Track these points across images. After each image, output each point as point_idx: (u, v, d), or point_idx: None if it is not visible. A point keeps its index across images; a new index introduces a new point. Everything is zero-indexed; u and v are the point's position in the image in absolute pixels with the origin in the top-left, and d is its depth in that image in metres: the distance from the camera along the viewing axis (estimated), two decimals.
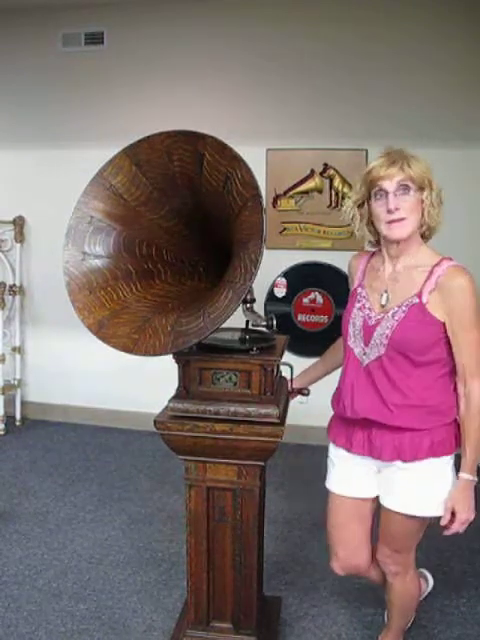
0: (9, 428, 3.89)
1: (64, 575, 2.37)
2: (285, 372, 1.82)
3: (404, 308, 1.52)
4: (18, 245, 3.94)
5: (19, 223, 3.90)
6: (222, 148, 1.50)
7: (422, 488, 1.57)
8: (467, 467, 1.54)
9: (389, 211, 1.49)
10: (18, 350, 4.01)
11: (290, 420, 1.71)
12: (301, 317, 3.70)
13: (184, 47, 3.55)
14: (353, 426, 1.64)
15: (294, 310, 3.70)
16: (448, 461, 1.58)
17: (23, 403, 4.08)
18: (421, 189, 1.50)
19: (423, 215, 1.52)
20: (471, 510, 1.54)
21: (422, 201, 1.51)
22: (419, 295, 1.51)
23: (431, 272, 1.51)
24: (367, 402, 1.57)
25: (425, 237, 1.59)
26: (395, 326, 1.51)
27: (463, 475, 1.54)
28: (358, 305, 1.62)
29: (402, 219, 1.50)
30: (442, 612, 2.18)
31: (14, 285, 3.94)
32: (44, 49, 3.73)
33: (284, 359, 1.68)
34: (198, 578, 1.77)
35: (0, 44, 3.80)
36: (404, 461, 1.56)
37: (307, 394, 1.86)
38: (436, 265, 1.51)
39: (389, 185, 1.49)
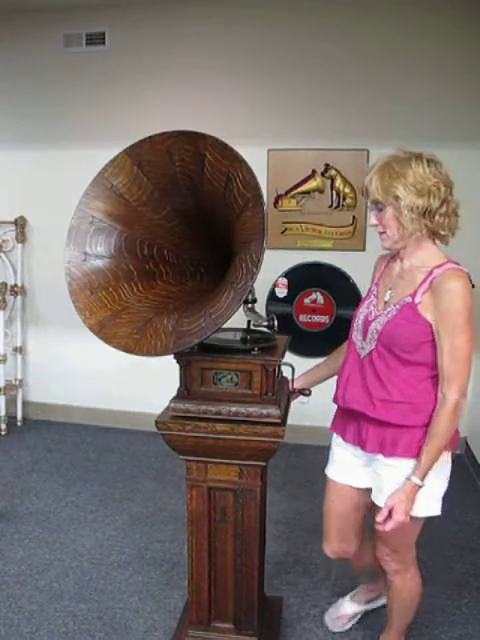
0: (10, 428, 3.90)
1: (65, 575, 2.37)
2: (286, 372, 1.82)
3: (398, 306, 1.56)
4: (19, 245, 3.94)
5: (20, 223, 3.90)
6: (223, 148, 1.50)
7: None
8: (419, 471, 1.52)
9: (370, 225, 1.60)
10: (19, 350, 4.01)
11: (291, 420, 1.71)
12: (302, 317, 3.70)
13: (185, 47, 3.56)
14: (348, 416, 1.70)
15: (295, 310, 3.70)
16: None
17: (24, 403, 4.09)
18: (392, 203, 1.51)
19: (402, 225, 1.52)
20: (407, 514, 1.54)
21: (399, 212, 1.51)
22: (413, 295, 1.54)
23: (430, 273, 1.52)
24: (356, 393, 1.63)
25: (442, 240, 1.59)
26: (386, 322, 1.56)
27: (412, 478, 1.53)
28: (368, 301, 1.68)
29: (382, 232, 1.58)
30: (443, 612, 2.18)
31: (15, 285, 3.94)
32: (46, 49, 3.73)
33: (285, 359, 1.68)
34: (199, 578, 1.77)
35: (2, 44, 3.81)
36: (384, 455, 1.60)
37: (308, 394, 1.86)
38: (437, 267, 1.53)
39: (369, 200, 1.58)
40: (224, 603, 1.80)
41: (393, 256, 1.70)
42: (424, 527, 1.70)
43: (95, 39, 3.67)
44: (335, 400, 1.73)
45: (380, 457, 1.62)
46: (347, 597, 2.12)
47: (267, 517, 1.88)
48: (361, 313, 1.68)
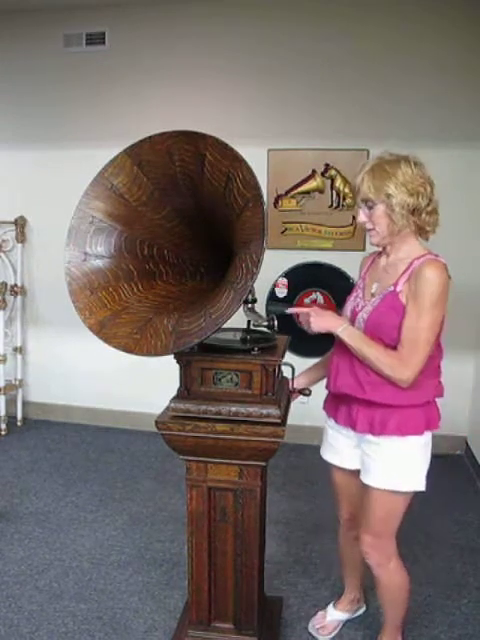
0: (10, 428, 3.90)
1: (65, 575, 2.37)
2: (286, 372, 1.82)
3: (381, 295, 1.66)
4: (19, 245, 3.94)
5: (20, 223, 3.90)
6: (223, 148, 1.50)
7: (392, 464, 1.68)
8: (350, 329, 1.64)
9: (359, 222, 1.67)
10: (19, 350, 4.01)
11: (291, 420, 1.71)
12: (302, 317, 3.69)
13: (185, 47, 3.55)
14: (339, 400, 1.79)
15: None
16: (417, 441, 1.67)
17: (24, 403, 4.09)
18: (384, 201, 1.59)
19: (392, 221, 1.61)
20: (314, 322, 1.65)
21: (391, 209, 1.59)
22: (395, 284, 1.64)
23: (411, 264, 1.63)
24: (346, 379, 1.71)
25: (424, 236, 1.69)
26: (371, 311, 1.67)
27: (345, 326, 1.64)
28: (354, 295, 1.80)
29: (371, 229, 1.66)
30: (443, 612, 2.18)
31: (15, 285, 3.94)
32: (46, 49, 3.73)
33: (285, 359, 1.69)
34: (199, 578, 1.77)
35: (2, 44, 3.81)
36: (373, 434, 1.68)
37: (308, 394, 1.86)
38: (417, 258, 1.63)
39: (358, 199, 1.66)
40: (224, 603, 1.80)
41: (379, 253, 1.79)
42: (408, 514, 1.72)
43: (95, 39, 3.67)
44: (328, 387, 1.82)
45: (369, 436, 1.70)
46: (330, 606, 2.15)
47: (267, 517, 1.88)
48: (348, 305, 1.79)
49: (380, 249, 1.77)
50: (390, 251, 1.70)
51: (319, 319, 1.66)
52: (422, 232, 1.67)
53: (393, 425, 1.65)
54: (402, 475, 1.68)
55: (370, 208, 1.63)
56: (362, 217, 1.66)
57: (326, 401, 1.90)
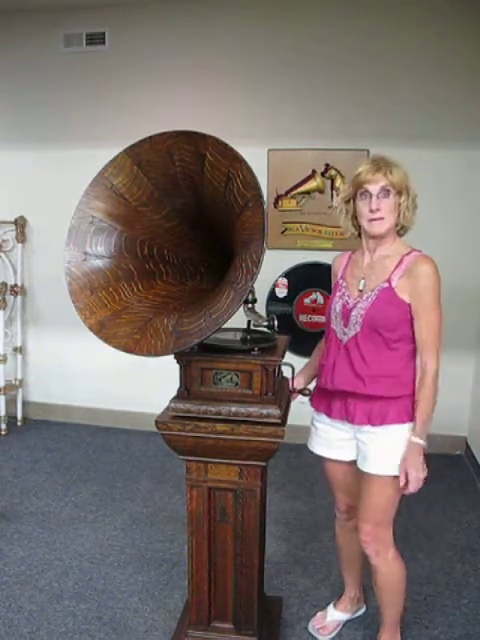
0: (10, 428, 3.90)
1: (65, 575, 2.37)
2: (286, 372, 1.82)
3: (376, 291, 1.73)
4: (20, 245, 3.94)
5: (20, 223, 3.90)
6: (223, 148, 1.50)
7: (390, 450, 1.73)
8: (417, 433, 1.70)
9: (371, 210, 1.71)
10: (19, 350, 4.01)
11: (291, 420, 1.72)
12: (302, 317, 3.70)
13: (185, 47, 3.55)
14: (332, 395, 1.82)
15: (295, 310, 3.70)
16: (411, 426, 1.74)
17: (24, 403, 4.09)
18: (399, 194, 1.71)
19: (399, 216, 1.73)
20: (421, 470, 1.69)
21: (399, 204, 1.72)
22: (389, 280, 1.71)
23: (401, 260, 1.72)
24: (344, 375, 1.75)
25: (400, 234, 1.80)
26: (368, 306, 1.72)
27: (414, 440, 1.69)
28: (339, 293, 1.84)
29: (381, 218, 1.72)
30: (443, 612, 2.18)
31: (15, 285, 3.94)
32: (46, 49, 3.73)
33: (285, 359, 1.69)
34: (199, 578, 1.77)
35: (2, 44, 3.81)
36: (373, 425, 1.74)
37: (308, 394, 1.88)
38: (406, 254, 1.73)
39: (373, 188, 1.71)
40: (224, 603, 1.80)
41: (353, 252, 1.91)
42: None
43: (95, 39, 3.67)
44: (322, 385, 1.84)
45: (368, 427, 1.75)
46: (330, 606, 2.15)
47: (267, 517, 1.88)
48: (336, 304, 1.81)
49: (351, 250, 1.89)
50: (375, 247, 1.78)
51: (420, 474, 1.69)
52: (403, 230, 1.78)
53: (394, 414, 1.72)
54: (400, 460, 1.74)
55: (385, 197, 1.70)
56: (374, 205, 1.70)
57: (314, 397, 1.91)
